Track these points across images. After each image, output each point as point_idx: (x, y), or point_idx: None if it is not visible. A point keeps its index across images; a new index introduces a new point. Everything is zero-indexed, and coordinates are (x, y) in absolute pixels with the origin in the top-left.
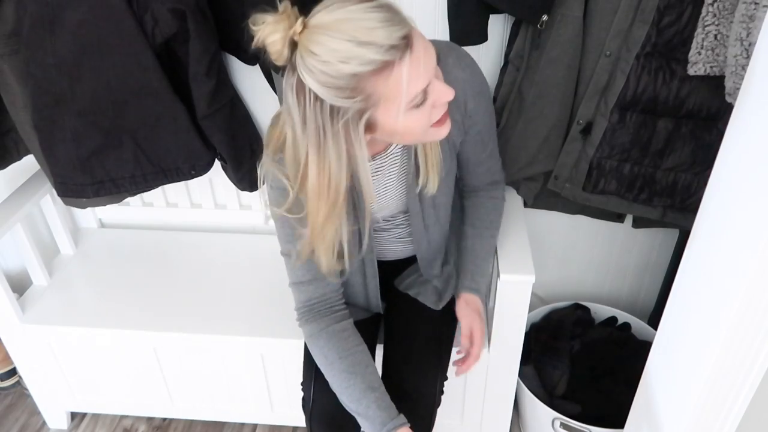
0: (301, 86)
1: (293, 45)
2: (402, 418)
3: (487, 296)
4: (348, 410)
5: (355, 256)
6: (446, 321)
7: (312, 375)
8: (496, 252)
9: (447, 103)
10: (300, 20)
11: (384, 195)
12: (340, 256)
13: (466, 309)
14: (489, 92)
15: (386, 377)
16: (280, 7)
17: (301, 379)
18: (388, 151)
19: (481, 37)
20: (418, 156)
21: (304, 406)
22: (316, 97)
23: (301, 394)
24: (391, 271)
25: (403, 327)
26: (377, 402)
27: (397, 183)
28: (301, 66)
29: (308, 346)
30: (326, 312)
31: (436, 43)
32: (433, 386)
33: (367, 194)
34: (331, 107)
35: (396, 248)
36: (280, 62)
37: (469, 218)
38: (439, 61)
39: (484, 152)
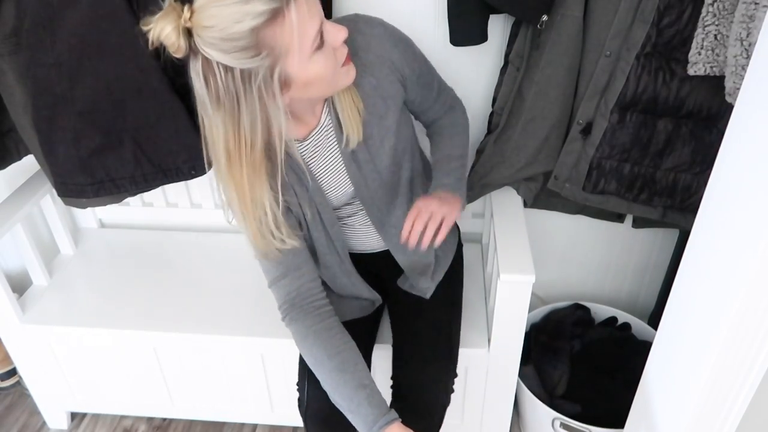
0: (207, 66)
1: (187, 32)
2: (393, 413)
3: (462, 198)
4: (340, 409)
5: (296, 229)
6: (452, 313)
7: (305, 376)
8: (466, 160)
9: (345, 44)
10: (186, 8)
11: (331, 174)
12: (277, 228)
13: (425, 196)
14: (410, 41)
15: (396, 377)
16: (164, 3)
17: (297, 380)
18: (320, 125)
19: (481, 37)
20: (336, 108)
21: (299, 407)
22: (226, 68)
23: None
24: (384, 264)
25: (409, 324)
26: (368, 399)
27: (339, 159)
28: (202, 44)
29: (297, 347)
30: (309, 308)
31: (343, 18)
32: (445, 385)
33: (286, 144)
34: (242, 72)
35: (366, 238)
36: (179, 54)
37: (432, 141)
38: (352, 32)
39: (431, 92)
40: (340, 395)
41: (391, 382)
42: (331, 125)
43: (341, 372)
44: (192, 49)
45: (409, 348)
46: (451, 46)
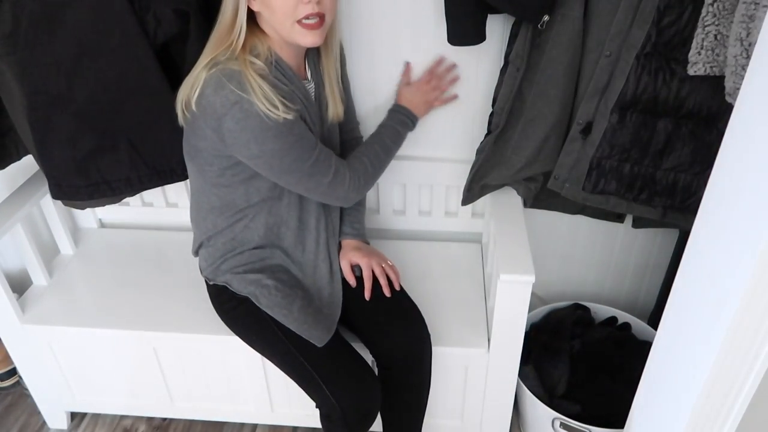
0: None
1: None
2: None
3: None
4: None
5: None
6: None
7: (318, 381)
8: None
9: (315, 7)
10: None
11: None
12: None
13: (359, 252)
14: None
15: (376, 350)
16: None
17: (309, 395)
18: (308, 79)
19: (478, 37)
20: (324, 84)
21: (327, 413)
22: None
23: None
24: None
25: (363, 301)
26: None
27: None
28: None
29: (374, 173)
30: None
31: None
32: (423, 326)
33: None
34: None
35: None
36: None
37: None
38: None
39: None
40: (386, 155)
41: (373, 359)
42: (316, 92)
43: (379, 153)
44: None
45: (374, 315)
46: (452, 46)
